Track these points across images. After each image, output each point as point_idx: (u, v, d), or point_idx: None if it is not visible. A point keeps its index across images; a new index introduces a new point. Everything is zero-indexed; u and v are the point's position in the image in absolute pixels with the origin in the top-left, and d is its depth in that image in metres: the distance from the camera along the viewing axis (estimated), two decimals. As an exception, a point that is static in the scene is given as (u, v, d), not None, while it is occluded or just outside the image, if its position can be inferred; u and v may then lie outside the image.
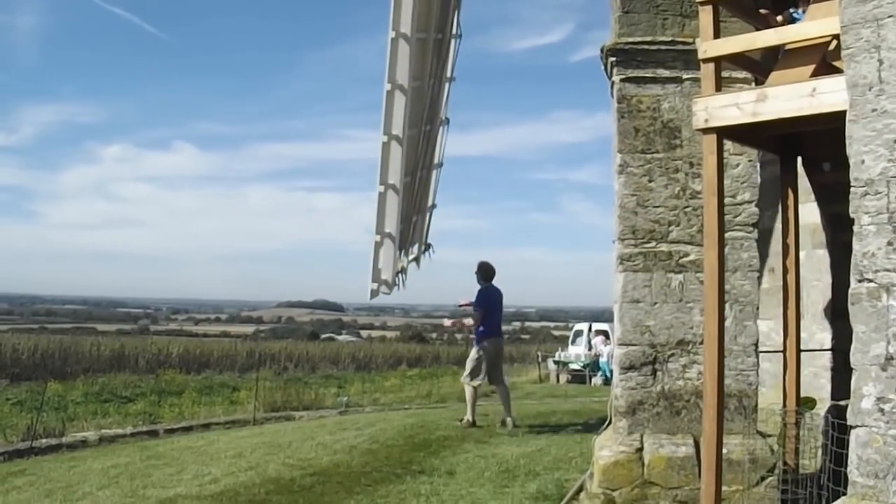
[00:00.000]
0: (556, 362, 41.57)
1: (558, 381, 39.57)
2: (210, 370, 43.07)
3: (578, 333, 44.31)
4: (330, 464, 12.75)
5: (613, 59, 10.04)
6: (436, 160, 12.96)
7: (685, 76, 9.80)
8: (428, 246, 15.15)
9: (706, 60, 7.87)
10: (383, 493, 10.56)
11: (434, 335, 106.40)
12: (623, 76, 9.99)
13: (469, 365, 16.86)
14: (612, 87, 10.34)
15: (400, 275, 13.63)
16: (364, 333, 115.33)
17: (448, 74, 13.19)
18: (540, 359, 44.82)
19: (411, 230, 12.86)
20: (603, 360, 38.70)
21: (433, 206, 13.45)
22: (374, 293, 13.90)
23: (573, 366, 40.18)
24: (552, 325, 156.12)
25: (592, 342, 41.31)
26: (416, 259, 14.07)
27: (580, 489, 10.01)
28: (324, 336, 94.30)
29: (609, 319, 42.17)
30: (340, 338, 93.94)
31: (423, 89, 12.10)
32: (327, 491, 10.83)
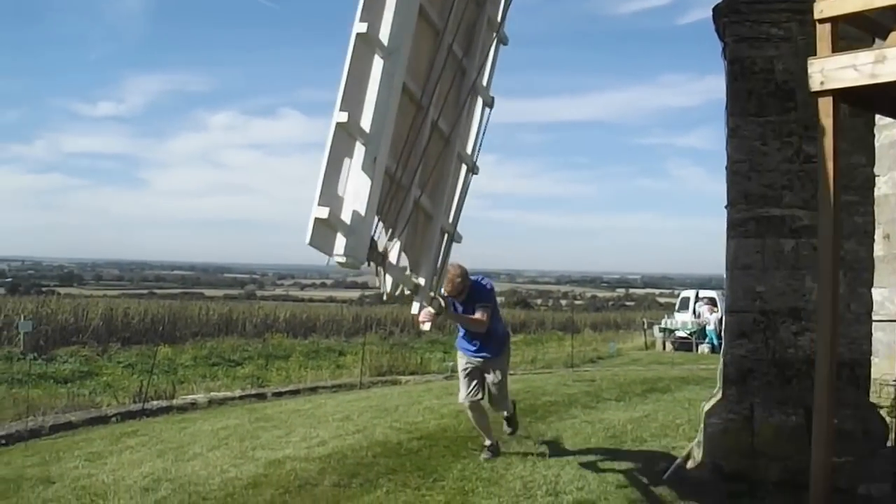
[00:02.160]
0: (662, 329, 41.28)
1: (664, 348, 39.34)
2: (316, 334, 43.45)
3: (685, 301, 43.87)
4: (437, 428, 12.84)
5: (726, 19, 9.83)
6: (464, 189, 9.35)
7: (800, 37, 9.54)
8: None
9: (822, 20, 7.66)
10: (490, 458, 10.54)
11: (539, 301, 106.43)
12: (736, 37, 9.77)
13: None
14: (724, 49, 10.13)
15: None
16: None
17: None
18: (645, 326, 44.55)
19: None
20: (710, 327, 38.33)
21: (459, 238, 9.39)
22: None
23: (679, 333, 39.86)
24: (657, 292, 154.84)
25: (699, 310, 40.89)
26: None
27: (688, 457, 9.91)
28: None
29: (715, 287, 41.93)
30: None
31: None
32: (434, 455, 10.91)
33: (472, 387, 10.76)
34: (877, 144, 9.99)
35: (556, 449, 11.19)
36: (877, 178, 9.90)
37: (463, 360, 10.88)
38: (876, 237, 10.10)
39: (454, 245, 8.51)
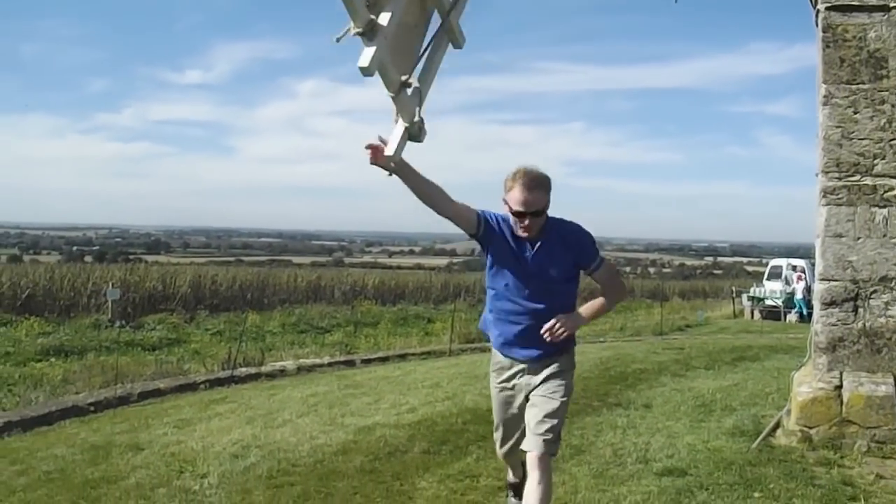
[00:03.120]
0: (750, 298, 40.94)
1: (752, 316, 39.05)
2: (405, 302, 43.64)
3: (774, 269, 43.41)
4: (528, 394, 12.76)
5: (819, -13, 9.76)
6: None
7: (893, 4, 9.45)
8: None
9: (918, -12, 7.61)
10: (580, 425, 10.60)
11: (627, 269, 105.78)
12: (828, 4, 9.68)
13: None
14: (816, 16, 10.05)
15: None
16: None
17: None
18: (734, 294, 44.20)
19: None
20: (798, 296, 37.96)
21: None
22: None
23: (768, 302, 39.50)
24: (745, 260, 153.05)
25: (788, 278, 40.49)
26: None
27: (777, 426, 9.89)
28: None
29: (803, 255, 41.46)
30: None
31: None
32: (524, 421, 10.87)
33: (512, 432, 6.43)
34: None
35: (645, 417, 11.20)
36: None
37: (498, 376, 6.39)
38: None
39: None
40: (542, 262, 5.72)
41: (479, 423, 10.70)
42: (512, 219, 5.67)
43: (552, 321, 5.64)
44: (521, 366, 6.11)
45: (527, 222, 5.61)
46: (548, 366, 6.06)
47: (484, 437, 9.92)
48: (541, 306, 5.77)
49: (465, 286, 48.66)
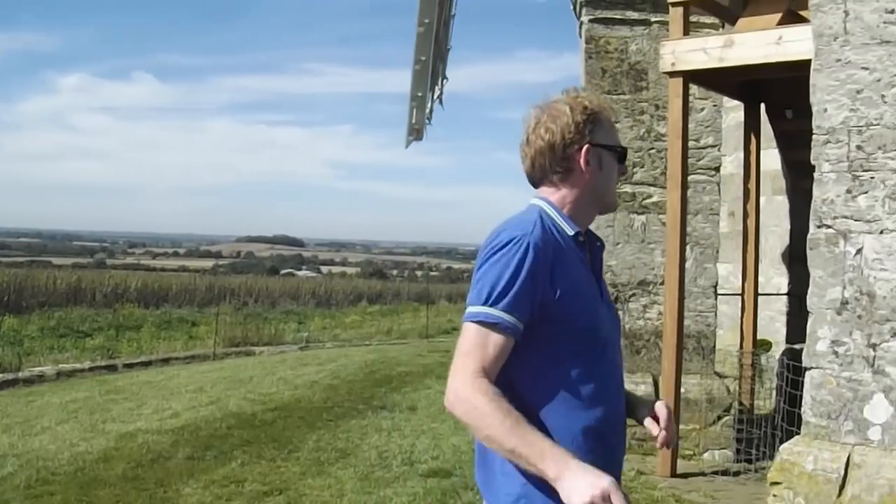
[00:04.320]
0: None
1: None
2: (169, 305, 42.63)
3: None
4: (291, 399, 12.85)
5: (583, -1, 10.09)
6: (452, 12, 14.08)
7: (654, 19, 9.86)
8: (447, 80, 15.79)
9: (675, 4, 7.95)
10: (345, 428, 10.67)
11: (395, 272, 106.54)
12: (592, 17, 10.03)
13: None
14: (580, 28, 10.39)
15: (427, 121, 14.93)
16: (324, 269, 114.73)
17: None
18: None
19: (436, 74, 14.26)
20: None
21: (449, 47, 14.53)
22: (409, 142, 15.11)
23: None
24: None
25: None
26: (440, 97, 14.92)
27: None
28: (284, 271, 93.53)
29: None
30: (300, 273, 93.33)
31: None
32: (289, 426, 10.92)
33: None
34: (723, 126, 10.37)
35: (410, 419, 11.33)
36: (723, 158, 10.29)
37: None
38: (721, 214, 10.49)
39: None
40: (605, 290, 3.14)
41: (243, 427, 10.64)
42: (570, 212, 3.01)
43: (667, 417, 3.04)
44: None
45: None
46: None
47: (249, 442, 9.87)
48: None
49: (230, 289, 47.95)
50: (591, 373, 2.80)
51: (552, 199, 2.96)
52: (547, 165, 2.95)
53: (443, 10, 12.54)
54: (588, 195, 3.00)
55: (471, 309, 2.70)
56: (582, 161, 2.93)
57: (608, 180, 3.05)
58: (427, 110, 14.72)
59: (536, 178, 3.00)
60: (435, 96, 14.73)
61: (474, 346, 2.66)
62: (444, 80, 15.00)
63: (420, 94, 14.00)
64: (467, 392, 2.64)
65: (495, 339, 2.66)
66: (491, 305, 2.65)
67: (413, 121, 14.67)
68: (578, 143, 2.92)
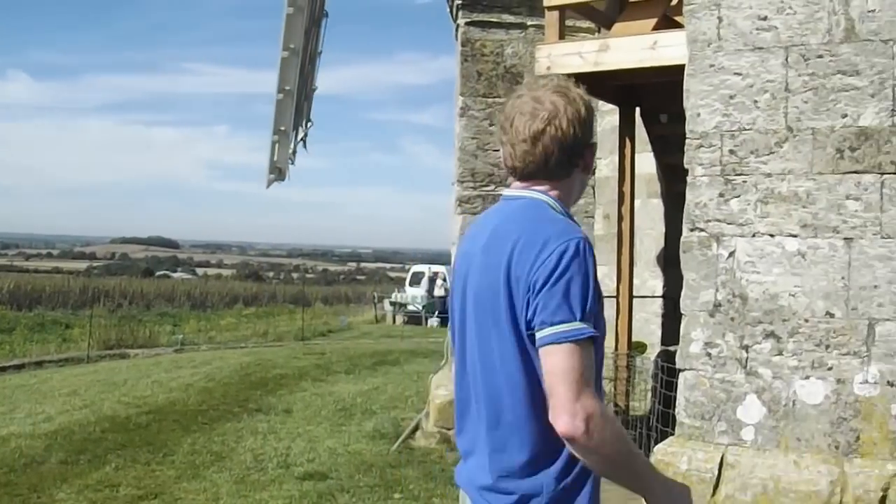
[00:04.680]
0: (392, 303, 41.76)
1: (394, 321, 39.81)
2: (42, 307, 41.78)
3: (416, 275, 44.49)
4: (166, 402, 12.68)
5: (459, 1, 10.08)
6: (319, 49, 13.69)
7: (530, 23, 9.91)
8: (311, 124, 15.33)
9: (550, 8, 7.98)
10: (220, 431, 10.55)
11: (271, 274, 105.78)
12: (468, 20, 10.04)
13: None
14: (456, 31, 10.39)
15: (290, 161, 14.36)
16: (200, 271, 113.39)
17: None
18: (376, 300, 44.98)
19: (300, 115, 13.80)
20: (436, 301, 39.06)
21: (315, 88, 14.02)
22: (271, 181, 14.59)
23: (410, 307, 40.42)
24: (388, 266, 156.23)
25: (431, 284, 41.57)
26: (304, 139, 14.43)
27: (416, 428, 10.14)
28: (159, 273, 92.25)
29: (445, 262, 42.74)
30: (176, 275, 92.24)
31: None
32: (163, 429, 10.76)
33: None
34: (599, 129, 10.46)
35: (286, 422, 11.23)
36: (598, 161, 10.38)
37: None
38: (596, 217, 10.59)
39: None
40: None
41: (117, 431, 10.49)
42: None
43: None
44: None
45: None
46: None
47: (123, 446, 9.73)
48: None
49: (104, 291, 47.12)
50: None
51: (553, 195, 2.82)
52: (563, 159, 2.77)
53: (309, 43, 12.36)
54: (575, 193, 2.92)
55: (572, 326, 2.50)
56: (586, 159, 2.84)
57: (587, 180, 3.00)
58: (290, 150, 14.30)
59: (535, 171, 2.79)
60: (298, 137, 14.36)
61: (587, 366, 2.49)
62: (309, 124, 14.63)
63: (283, 129, 13.58)
64: (607, 411, 2.52)
65: (591, 353, 2.53)
66: (585, 320, 2.51)
67: (275, 158, 14.18)
68: (589, 140, 2.82)
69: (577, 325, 2.50)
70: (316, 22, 12.32)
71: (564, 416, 2.43)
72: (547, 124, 2.71)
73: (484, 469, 2.75)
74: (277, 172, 14.78)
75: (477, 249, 2.78)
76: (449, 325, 3.00)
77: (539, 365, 2.55)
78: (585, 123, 2.78)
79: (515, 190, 2.84)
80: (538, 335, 2.52)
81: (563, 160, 2.76)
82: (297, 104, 12.54)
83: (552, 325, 2.50)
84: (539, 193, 2.80)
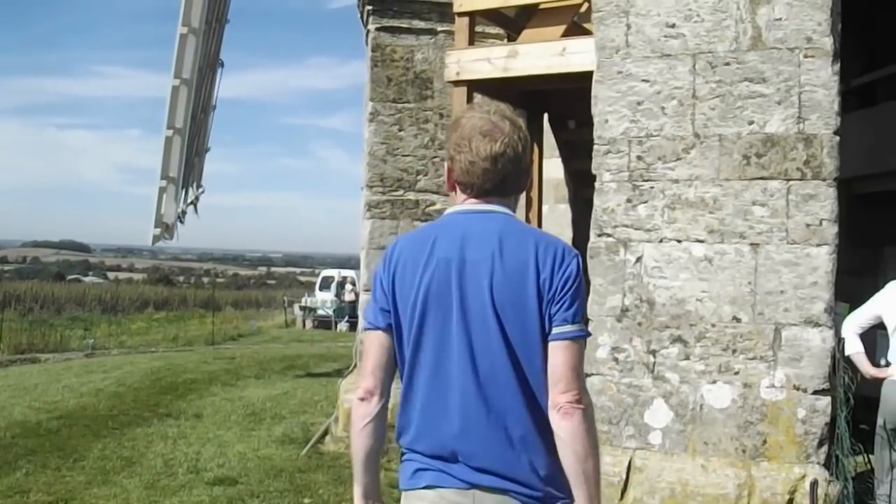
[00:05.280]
0: (302, 308, 41.61)
1: (304, 326, 39.68)
2: (-49, 311, 41.03)
3: (326, 279, 44.38)
4: (76, 407, 12.51)
5: (370, 7, 10.06)
6: (212, 102, 12.81)
7: (440, 28, 9.92)
8: (202, 189, 14.35)
9: (460, 14, 7.98)
10: (130, 437, 10.42)
11: (181, 278, 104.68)
12: (378, 25, 10.02)
13: None
14: (366, 36, 10.37)
15: (179, 220, 13.27)
16: (111, 275, 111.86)
17: (226, 16, 12.97)
18: (286, 304, 44.78)
19: (190, 172, 12.67)
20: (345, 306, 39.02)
21: (208, 148, 13.05)
22: (157, 238, 13.69)
23: (320, 311, 40.31)
24: (298, 270, 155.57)
25: (340, 289, 41.50)
26: (194, 203, 13.46)
27: (326, 432, 10.11)
28: (70, 277, 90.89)
29: (355, 266, 42.67)
30: (87, 279, 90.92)
31: (208, 32, 12.04)
32: (74, 434, 10.59)
33: None
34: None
35: (196, 427, 11.12)
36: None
37: None
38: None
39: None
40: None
41: (27, 436, 10.36)
42: None
43: None
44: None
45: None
46: None
47: (34, 451, 9.60)
48: None
49: (15, 295, 46.15)
50: None
51: (509, 212, 3.08)
52: (518, 178, 3.07)
53: (203, 87, 11.65)
54: (514, 209, 3.14)
55: (579, 327, 2.87)
56: (526, 180, 3.15)
57: None
58: (180, 208, 13.23)
59: (494, 188, 3.03)
60: (188, 199, 13.43)
61: (582, 360, 2.89)
62: (201, 189, 13.81)
63: (172, 176, 12.44)
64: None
65: None
66: (584, 323, 2.97)
67: (162, 211, 12.95)
68: (529, 164, 3.14)
69: (581, 326, 2.89)
70: (211, 65, 11.65)
71: (575, 397, 2.80)
72: (506, 147, 2.97)
73: (497, 458, 2.89)
74: (164, 228, 13.80)
75: (476, 255, 2.95)
76: (407, 323, 3.04)
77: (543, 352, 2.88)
78: (528, 149, 3.09)
79: (476, 204, 3.05)
80: (558, 329, 2.86)
81: (514, 180, 3.05)
82: (186, 157, 11.73)
83: (572, 322, 2.86)
84: (503, 208, 3.05)
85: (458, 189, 3.07)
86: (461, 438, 2.91)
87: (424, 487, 2.98)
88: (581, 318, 2.87)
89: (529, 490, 2.89)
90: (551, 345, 2.86)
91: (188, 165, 11.60)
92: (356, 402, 3.01)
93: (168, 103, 10.86)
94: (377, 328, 3.08)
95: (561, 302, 2.87)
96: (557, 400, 2.81)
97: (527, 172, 3.12)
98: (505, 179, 3.01)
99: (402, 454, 3.10)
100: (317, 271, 65.22)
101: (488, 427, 2.89)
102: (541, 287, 2.88)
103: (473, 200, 3.04)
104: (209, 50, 11.03)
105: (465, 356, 2.92)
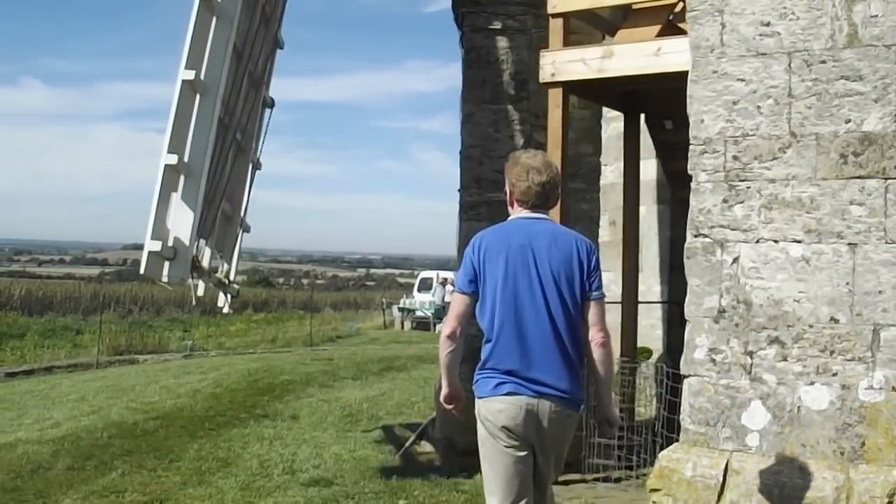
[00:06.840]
0: (401, 309, 41.70)
1: (403, 327, 39.77)
2: (53, 312, 41.75)
3: (424, 281, 44.44)
4: (173, 408, 12.71)
5: (464, 9, 10.07)
6: (257, 153, 9.73)
7: (534, 29, 9.88)
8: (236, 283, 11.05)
9: (555, 15, 7.98)
10: (227, 437, 10.54)
11: (281, 280, 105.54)
12: (473, 27, 10.02)
13: None
14: (461, 38, 10.39)
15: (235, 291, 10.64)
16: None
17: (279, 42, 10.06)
18: (385, 306, 44.93)
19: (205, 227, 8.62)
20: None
21: (244, 224, 10.36)
22: (154, 261, 9.73)
23: (418, 313, 40.36)
24: (397, 272, 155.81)
25: (438, 290, 41.51)
26: (224, 286, 10.19)
27: (422, 434, 10.14)
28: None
29: (454, 268, 42.69)
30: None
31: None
32: (170, 435, 10.76)
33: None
34: (604, 136, 10.47)
35: (292, 428, 11.23)
36: (604, 168, 10.38)
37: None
38: (602, 223, 10.58)
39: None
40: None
41: (124, 436, 10.52)
42: None
43: None
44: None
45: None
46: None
47: (130, 452, 9.75)
48: None
49: (115, 297, 47.04)
50: None
51: (551, 218, 4.90)
52: (556, 198, 4.91)
53: (242, 117, 8.54)
54: None
55: (602, 292, 4.74)
56: (559, 198, 5.05)
57: None
58: (220, 274, 9.90)
59: (542, 203, 4.79)
60: (223, 271, 10.07)
61: (605, 311, 4.76)
62: (227, 267, 10.31)
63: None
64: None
65: None
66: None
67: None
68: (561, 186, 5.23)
69: (603, 291, 4.77)
70: (258, 95, 8.97)
71: (605, 334, 4.68)
72: (550, 178, 4.74)
73: (555, 377, 4.56)
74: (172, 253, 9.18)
75: (540, 244, 4.65)
76: (492, 287, 4.67)
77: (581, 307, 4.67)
78: (560, 179, 5.00)
79: (532, 213, 4.78)
80: (593, 294, 4.68)
81: (553, 200, 4.87)
82: (208, 210, 7.99)
83: (598, 289, 4.71)
84: (547, 216, 4.83)
85: (516, 204, 4.81)
86: (534, 363, 4.55)
87: (506, 394, 4.58)
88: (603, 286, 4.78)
89: (570, 396, 4.60)
90: (590, 303, 4.66)
91: (204, 223, 7.54)
92: (444, 338, 4.74)
93: (176, 97, 7.44)
94: (464, 293, 4.74)
95: (594, 276, 4.69)
96: (595, 336, 4.65)
97: (559, 195, 4.97)
98: (548, 198, 4.80)
99: (479, 375, 4.79)
100: (416, 273, 65.39)
101: (553, 354, 4.57)
102: (581, 266, 4.65)
103: (528, 212, 4.77)
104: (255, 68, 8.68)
105: (542, 307, 4.59)
